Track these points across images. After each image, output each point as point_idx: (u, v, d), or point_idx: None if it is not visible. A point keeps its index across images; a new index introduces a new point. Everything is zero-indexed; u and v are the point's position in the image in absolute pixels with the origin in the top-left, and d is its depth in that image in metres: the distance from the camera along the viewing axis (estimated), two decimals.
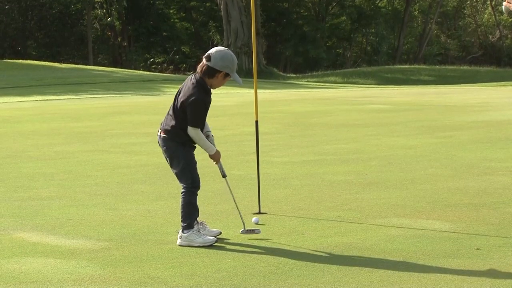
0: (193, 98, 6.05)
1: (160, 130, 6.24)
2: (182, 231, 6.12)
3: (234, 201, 6.41)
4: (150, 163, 10.40)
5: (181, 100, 6.10)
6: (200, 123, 6.12)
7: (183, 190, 6.17)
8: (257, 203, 7.25)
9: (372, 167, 9.91)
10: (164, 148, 6.21)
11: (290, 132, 14.32)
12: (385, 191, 8.22)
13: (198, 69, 6.16)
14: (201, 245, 6.05)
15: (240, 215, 6.39)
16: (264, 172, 8.60)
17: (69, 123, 16.49)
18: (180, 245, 6.09)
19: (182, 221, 6.15)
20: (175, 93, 6.28)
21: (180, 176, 6.19)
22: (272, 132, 14.01)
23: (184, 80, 6.39)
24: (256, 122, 7.33)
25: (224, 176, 6.32)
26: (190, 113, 6.06)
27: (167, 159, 6.24)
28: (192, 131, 6.08)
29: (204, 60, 6.13)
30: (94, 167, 10.20)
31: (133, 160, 10.86)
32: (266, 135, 12.89)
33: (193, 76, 6.21)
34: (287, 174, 9.45)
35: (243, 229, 6.30)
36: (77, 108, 20.79)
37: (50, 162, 10.83)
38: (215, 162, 6.26)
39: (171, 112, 6.18)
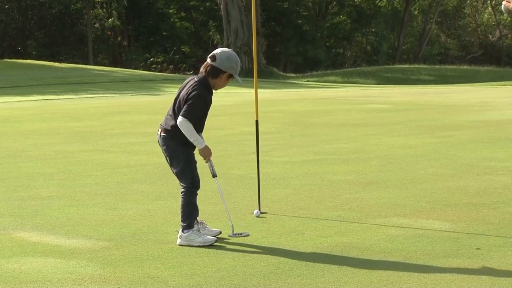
0: (195, 92, 6.03)
1: (160, 130, 6.23)
2: (182, 231, 6.12)
3: (224, 203, 6.39)
4: (150, 163, 10.40)
5: (184, 98, 6.08)
6: (193, 117, 6.01)
7: (182, 190, 6.16)
8: (257, 203, 7.25)
9: (372, 166, 9.91)
10: (164, 147, 6.21)
11: (290, 131, 14.32)
12: (385, 191, 8.22)
13: (202, 69, 6.16)
14: (201, 244, 6.05)
15: (229, 217, 6.36)
16: (264, 172, 8.60)
17: (69, 123, 16.49)
18: (180, 245, 6.09)
19: (182, 221, 6.15)
20: (176, 93, 6.28)
21: (180, 176, 6.18)
22: (272, 131, 14.01)
23: (183, 80, 6.37)
24: (256, 121, 7.32)
25: (214, 176, 6.25)
26: (187, 105, 6.00)
27: (167, 158, 6.23)
28: (182, 121, 5.99)
29: (209, 60, 6.12)
30: (94, 167, 10.20)
31: (133, 159, 10.85)
32: (266, 134, 12.89)
33: (195, 76, 6.22)
34: (287, 173, 9.45)
35: (231, 232, 6.27)
36: (77, 107, 20.79)
37: (50, 161, 10.83)
38: (205, 160, 6.19)
39: (171, 112, 6.17)
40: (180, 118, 6.01)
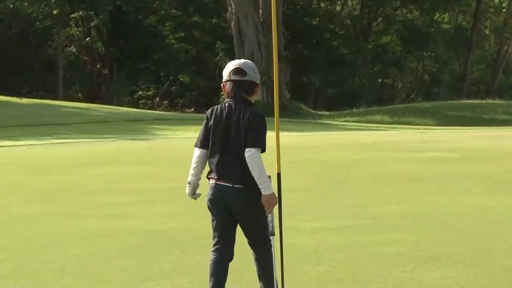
0: (260, 115, 6.20)
1: (224, 180, 6.24)
2: None
3: (274, 269, 6.44)
4: (136, 231, 10.34)
5: (244, 129, 6.15)
6: (265, 145, 6.18)
7: (267, 245, 6.33)
8: (281, 284, 7.15)
9: (433, 235, 9.83)
10: (246, 203, 6.23)
11: (323, 188, 14.28)
12: (451, 268, 8.14)
13: (233, 91, 6.27)
14: None
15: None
16: (289, 242, 8.52)
17: (29, 177, 16.51)
18: None
19: (268, 282, 6.31)
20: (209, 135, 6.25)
21: (263, 229, 6.31)
22: (299, 188, 13.98)
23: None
24: (278, 174, 7.26)
25: (272, 234, 6.35)
26: (258, 131, 6.14)
27: (247, 215, 6.29)
28: (255, 153, 6.11)
29: (237, 76, 6.26)
30: (61, 236, 10.16)
31: (114, 226, 10.81)
32: (292, 192, 12.85)
33: (229, 103, 6.28)
34: (320, 245, 9.38)
35: None
36: (40, 157, 20.85)
37: (4, 229, 10.80)
38: (267, 211, 6.26)
39: (236, 159, 6.20)
40: (251, 150, 6.11)
